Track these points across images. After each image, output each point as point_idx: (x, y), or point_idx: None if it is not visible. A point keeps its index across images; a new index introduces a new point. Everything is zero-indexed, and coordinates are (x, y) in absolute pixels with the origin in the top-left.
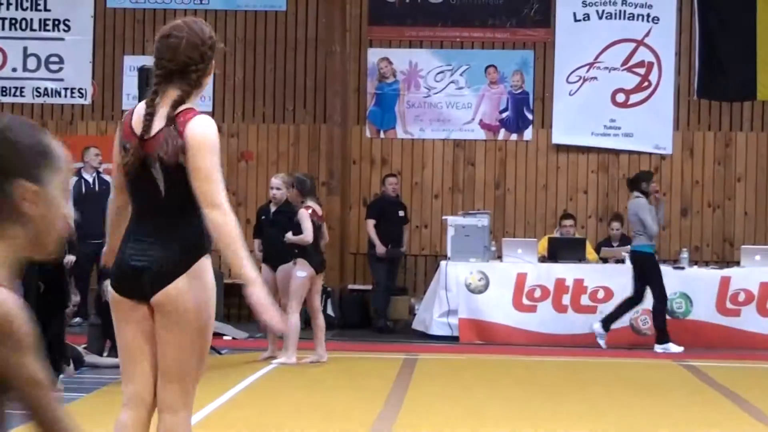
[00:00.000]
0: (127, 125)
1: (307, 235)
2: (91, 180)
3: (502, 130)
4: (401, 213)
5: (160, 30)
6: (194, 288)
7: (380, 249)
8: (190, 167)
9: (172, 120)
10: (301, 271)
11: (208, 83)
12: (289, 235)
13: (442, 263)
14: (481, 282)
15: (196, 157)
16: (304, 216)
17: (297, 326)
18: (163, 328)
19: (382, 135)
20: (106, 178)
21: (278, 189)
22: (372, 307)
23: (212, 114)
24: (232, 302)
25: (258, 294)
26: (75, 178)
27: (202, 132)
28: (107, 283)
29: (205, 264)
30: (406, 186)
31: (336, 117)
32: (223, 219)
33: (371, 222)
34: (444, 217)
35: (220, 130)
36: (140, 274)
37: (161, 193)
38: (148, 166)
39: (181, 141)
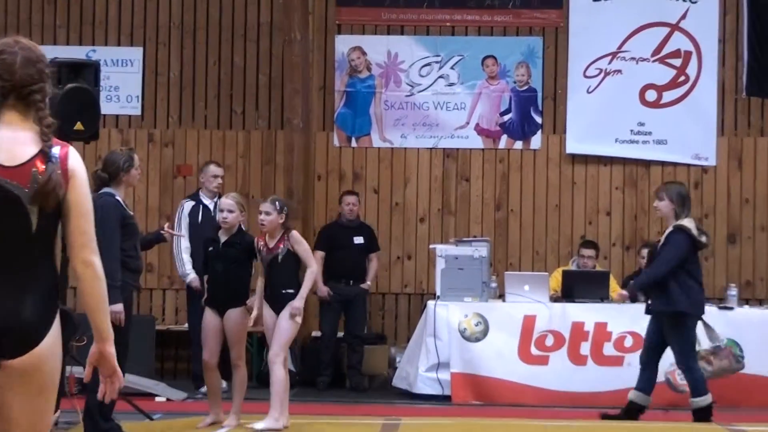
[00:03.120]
0: None
1: (314, 264)
2: (211, 206)
3: (504, 137)
4: (359, 240)
5: None
6: (57, 343)
7: (321, 291)
8: (74, 206)
9: (45, 151)
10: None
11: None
12: (299, 303)
13: (430, 304)
14: (478, 327)
15: (83, 196)
16: (301, 239)
17: (286, 382)
18: (24, 394)
19: (353, 143)
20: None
21: (230, 212)
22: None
23: (141, 118)
24: (167, 354)
25: (114, 355)
26: (190, 203)
27: (82, 167)
28: None
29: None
30: (384, 207)
31: (296, 121)
32: (101, 268)
33: (320, 254)
34: (432, 246)
35: (151, 137)
36: None
37: (31, 230)
38: (9, 199)
39: (61, 175)
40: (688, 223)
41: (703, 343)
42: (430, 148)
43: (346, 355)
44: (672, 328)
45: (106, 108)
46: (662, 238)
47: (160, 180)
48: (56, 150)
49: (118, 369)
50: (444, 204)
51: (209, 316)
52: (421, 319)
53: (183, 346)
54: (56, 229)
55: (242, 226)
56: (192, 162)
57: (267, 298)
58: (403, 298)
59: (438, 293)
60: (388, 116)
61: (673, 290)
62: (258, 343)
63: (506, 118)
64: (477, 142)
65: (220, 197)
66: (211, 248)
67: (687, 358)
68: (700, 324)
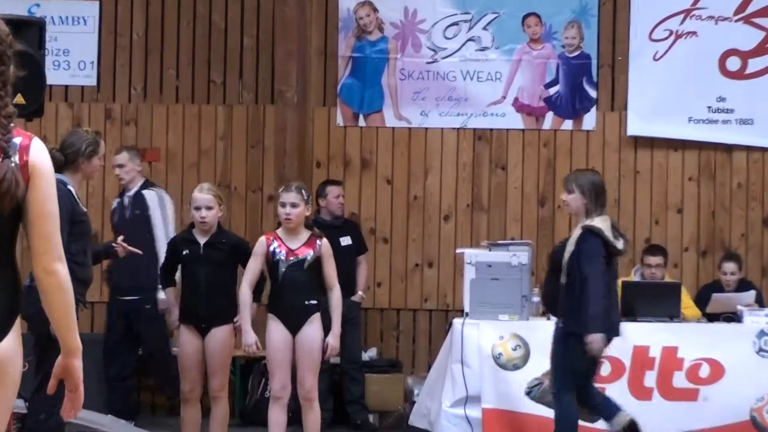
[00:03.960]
0: None
1: (338, 285)
2: (125, 202)
3: (550, 115)
4: (346, 241)
5: None
6: (18, 349)
7: None
8: (35, 207)
9: (3, 146)
10: (322, 333)
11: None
12: (337, 342)
13: (456, 322)
14: (517, 352)
15: (45, 196)
16: (331, 253)
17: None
18: None
19: (361, 122)
20: (150, 195)
21: (209, 209)
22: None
23: (96, 89)
24: None
25: (80, 369)
26: (116, 200)
27: (47, 162)
28: None
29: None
30: (399, 202)
31: (290, 94)
32: (68, 277)
33: None
34: (459, 251)
35: (109, 114)
36: None
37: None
38: None
39: (19, 173)
40: (600, 222)
41: None
42: (458, 129)
43: (346, 387)
44: (571, 347)
45: (53, 77)
46: (569, 242)
47: None
48: (17, 141)
49: (81, 386)
50: (474, 198)
51: (188, 338)
52: (445, 341)
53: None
54: (15, 232)
55: (220, 223)
56: (160, 144)
57: (279, 311)
58: (423, 315)
59: (466, 309)
60: (404, 88)
61: (582, 305)
62: (241, 370)
63: (552, 91)
64: (516, 120)
65: (125, 192)
66: (186, 251)
67: (566, 385)
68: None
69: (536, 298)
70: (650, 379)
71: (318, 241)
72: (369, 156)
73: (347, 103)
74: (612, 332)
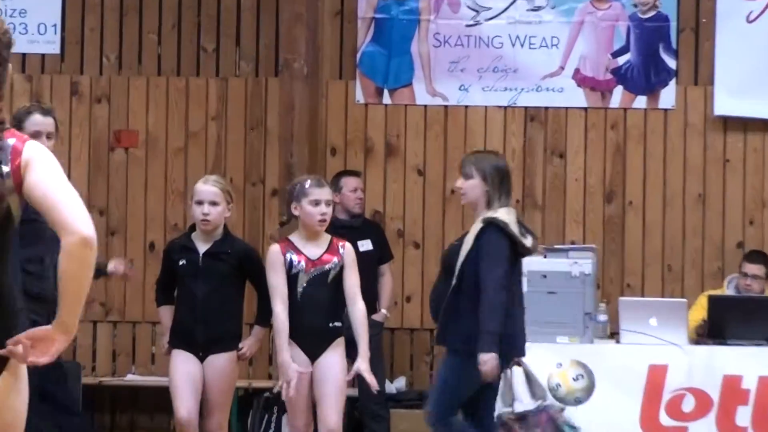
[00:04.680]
0: None
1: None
2: None
3: (619, 90)
4: (366, 246)
5: None
6: (14, 390)
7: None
8: (41, 186)
9: None
10: (345, 360)
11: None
12: (365, 347)
13: None
14: (578, 383)
15: (48, 173)
16: (354, 259)
17: None
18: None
19: (386, 99)
20: None
21: (213, 205)
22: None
23: (60, 59)
24: (100, 419)
25: (61, 347)
26: None
27: (44, 151)
28: None
29: None
30: (433, 196)
31: (298, 65)
32: (94, 246)
33: None
34: None
35: (76, 88)
36: None
37: (14, 225)
38: None
39: (12, 178)
40: (504, 215)
41: (523, 399)
42: (505, 107)
43: (367, 426)
44: (454, 364)
45: None
46: (467, 238)
47: (89, 153)
48: (10, 143)
49: (51, 358)
50: (526, 192)
51: (183, 360)
52: None
53: (124, 408)
54: (5, 247)
55: (227, 227)
56: (138, 126)
57: (296, 335)
58: None
59: None
60: (439, 57)
61: (472, 317)
62: (238, 405)
63: (622, 60)
64: (577, 97)
65: None
66: (182, 261)
67: (443, 406)
68: (520, 372)
69: (603, 317)
70: (744, 415)
71: (340, 247)
72: (395, 140)
73: (369, 76)
74: (514, 351)
